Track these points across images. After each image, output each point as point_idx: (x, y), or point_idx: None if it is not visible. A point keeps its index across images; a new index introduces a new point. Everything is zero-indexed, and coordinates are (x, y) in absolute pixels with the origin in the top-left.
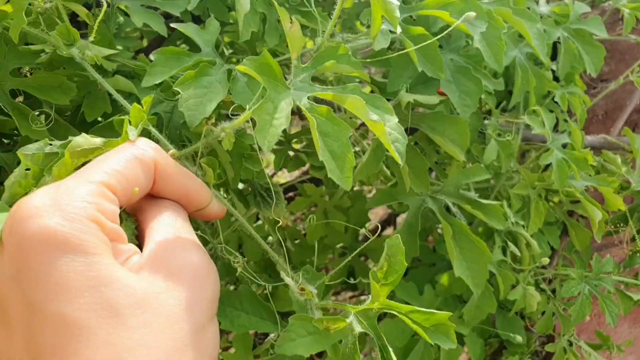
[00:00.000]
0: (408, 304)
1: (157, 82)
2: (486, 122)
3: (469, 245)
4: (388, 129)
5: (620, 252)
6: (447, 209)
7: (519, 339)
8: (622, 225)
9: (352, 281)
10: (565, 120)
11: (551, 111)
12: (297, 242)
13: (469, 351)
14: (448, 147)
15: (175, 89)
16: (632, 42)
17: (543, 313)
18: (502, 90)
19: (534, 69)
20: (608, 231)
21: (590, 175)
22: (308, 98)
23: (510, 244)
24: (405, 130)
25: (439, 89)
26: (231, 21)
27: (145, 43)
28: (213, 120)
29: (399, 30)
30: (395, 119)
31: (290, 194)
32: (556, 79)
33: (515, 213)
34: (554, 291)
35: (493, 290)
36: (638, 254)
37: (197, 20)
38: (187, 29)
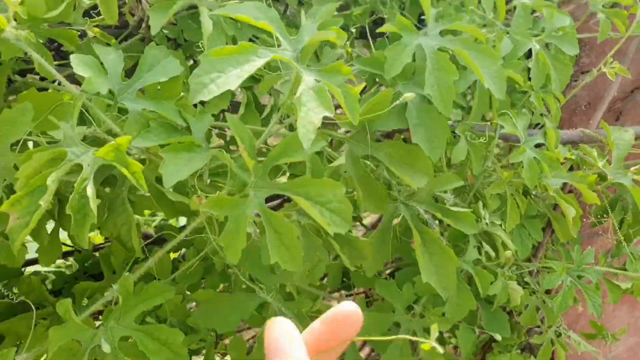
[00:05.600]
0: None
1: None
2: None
3: (439, 251)
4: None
5: (609, 241)
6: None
7: (499, 337)
8: (605, 216)
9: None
10: (542, 115)
11: (528, 109)
12: None
13: (460, 345)
14: (404, 177)
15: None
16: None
17: (527, 306)
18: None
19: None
20: (593, 222)
21: (566, 172)
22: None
23: (484, 244)
24: (366, 157)
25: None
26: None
27: None
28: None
29: None
30: (341, 193)
31: (279, 200)
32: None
33: (493, 212)
34: (540, 284)
35: (471, 288)
36: (623, 243)
37: (174, 42)
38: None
